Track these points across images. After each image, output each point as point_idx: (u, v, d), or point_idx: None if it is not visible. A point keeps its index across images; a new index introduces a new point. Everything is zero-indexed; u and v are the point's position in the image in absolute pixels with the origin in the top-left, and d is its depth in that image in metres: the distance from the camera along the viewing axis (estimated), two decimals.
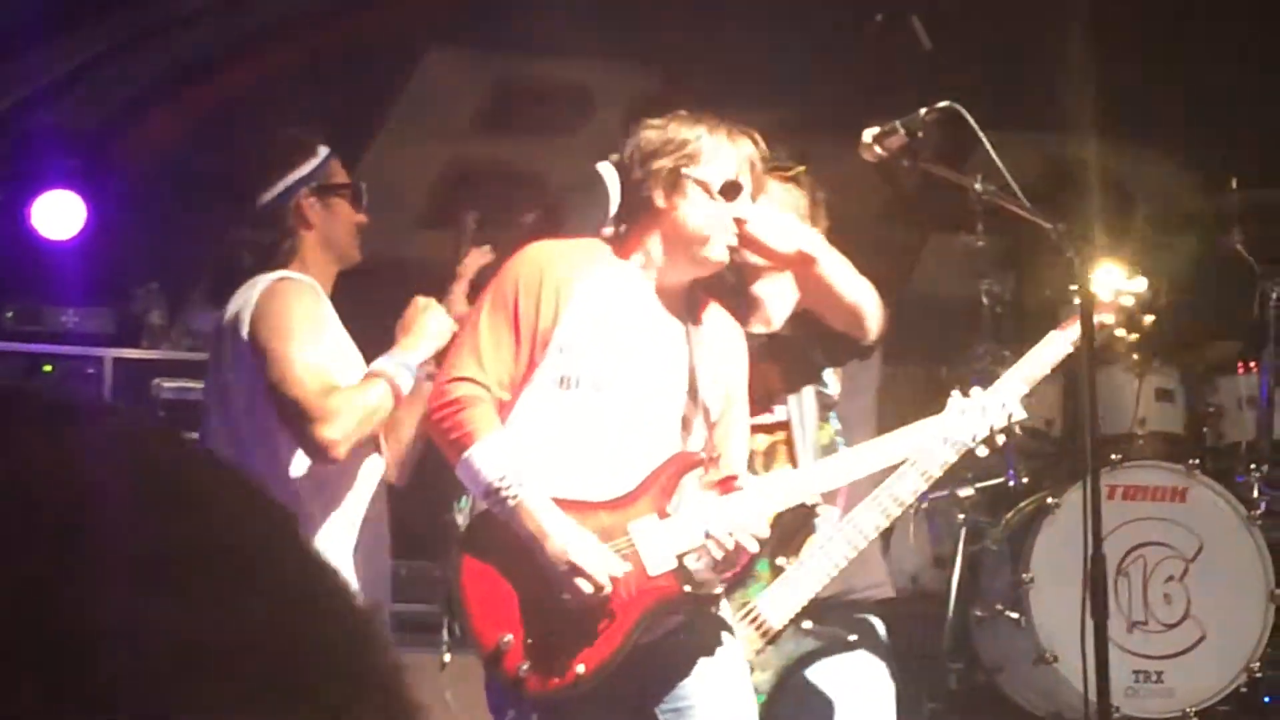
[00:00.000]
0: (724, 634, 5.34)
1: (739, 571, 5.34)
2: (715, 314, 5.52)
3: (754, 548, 5.17)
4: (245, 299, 5.41)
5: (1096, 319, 5.71)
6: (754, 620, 5.59)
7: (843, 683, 5.71)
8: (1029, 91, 9.66)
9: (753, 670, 5.59)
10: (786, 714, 5.67)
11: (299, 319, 5.36)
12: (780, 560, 5.67)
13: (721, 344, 5.48)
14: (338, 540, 5.38)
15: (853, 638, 5.75)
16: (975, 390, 5.55)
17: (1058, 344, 5.76)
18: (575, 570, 5.07)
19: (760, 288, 5.91)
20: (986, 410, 5.47)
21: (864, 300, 5.64)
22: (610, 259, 5.38)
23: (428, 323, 5.42)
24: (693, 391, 5.35)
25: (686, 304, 5.44)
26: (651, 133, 5.34)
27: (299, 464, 5.34)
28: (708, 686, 5.24)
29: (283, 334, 5.33)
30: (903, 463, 5.56)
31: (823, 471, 5.47)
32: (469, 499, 5.35)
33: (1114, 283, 5.85)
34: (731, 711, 5.25)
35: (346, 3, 9.58)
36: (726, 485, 5.33)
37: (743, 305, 5.83)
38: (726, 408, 5.46)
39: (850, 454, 5.52)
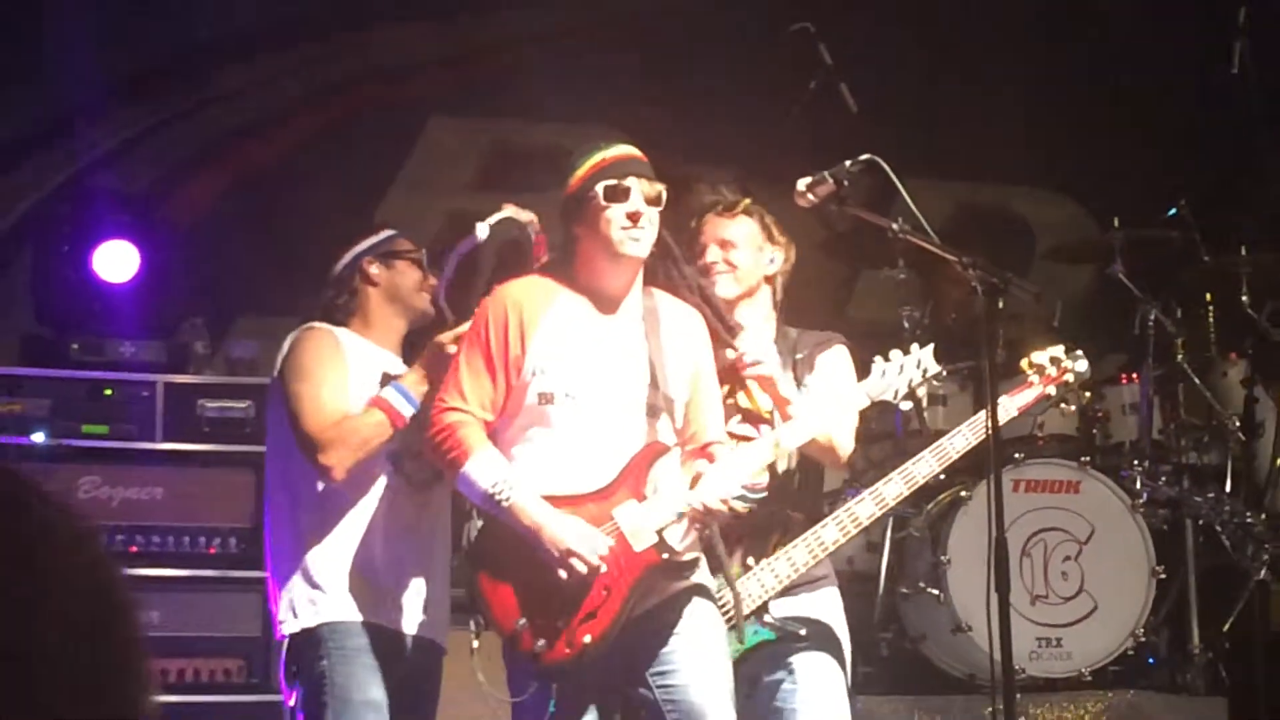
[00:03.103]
0: (704, 602, 5.31)
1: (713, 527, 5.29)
2: (668, 305, 5.50)
3: (720, 507, 5.16)
4: (282, 347, 5.59)
5: (1044, 389, 5.85)
6: (722, 608, 5.56)
7: (793, 673, 5.68)
8: (943, 144, 9.66)
9: None
10: (738, 699, 5.56)
11: (312, 362, 5.50)
12: (750, 560, 5.67)
13: (677, 332, 5.46)
14: (387, 542, 5.46)
15: (803, 631, 5.69)
16: (894, 353, 5.54)
17: (1004, 407, 5.74)
18: (569, 553, 5.09)
19: (740, 314, 5.91)
20: (904, 368, 5.49)
21: (842, 446, 5.72)
22: (564, 282, 5.38)
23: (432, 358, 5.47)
24: (654, 381, 5.34)
25: (637, 303, 5.42)
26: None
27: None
28: (689, 651, 5.21)
29: (298, 375, 5.50)
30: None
31: (765, 444, 5.40)
32: (478, 522, 5.34)
33: (1060, 361, 5.87)
34: (709, 670, 5.22)
35: (361, 79, 9.57)
36: (704, 454, 5.35)
37: (725, 332, 5.80)
38: (695, 386, 5.44)
39: (798, 419, 5.46)
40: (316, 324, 5.62)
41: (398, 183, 9.58)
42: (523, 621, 5.15)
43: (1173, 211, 8.84)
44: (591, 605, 5.15)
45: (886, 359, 5.51)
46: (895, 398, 5.54)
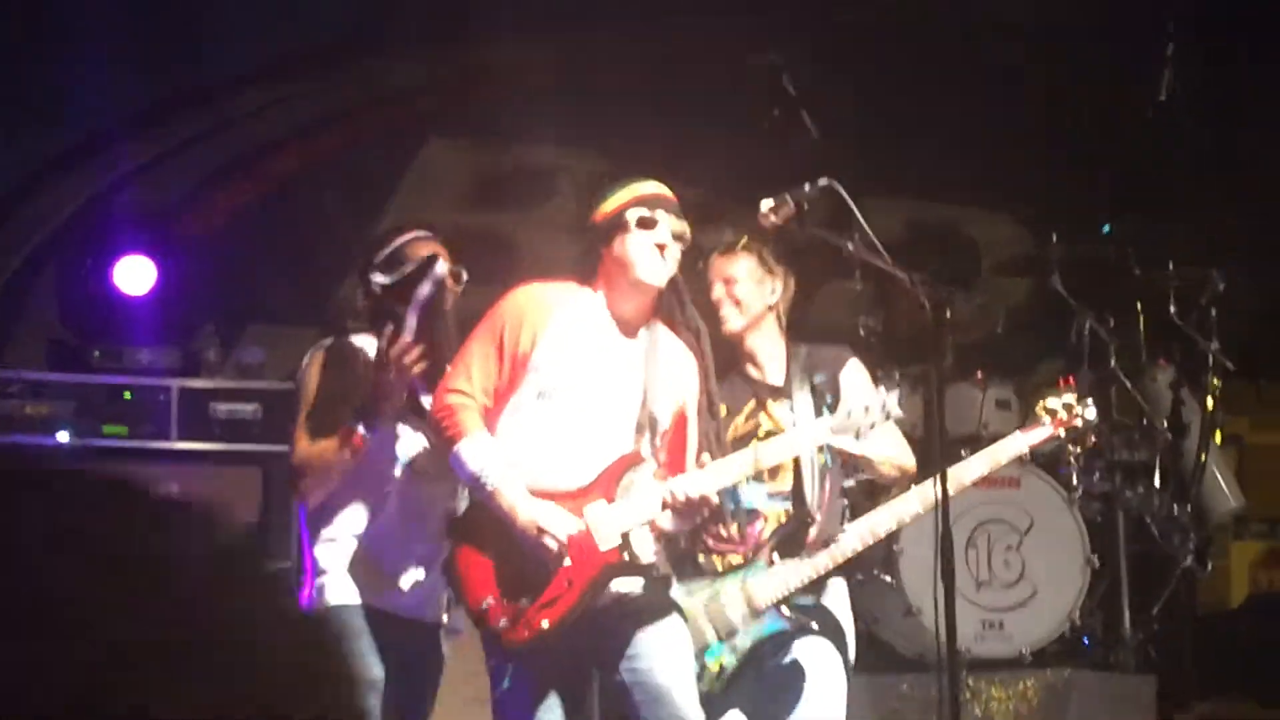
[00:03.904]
0: (673, 612, 5.45)
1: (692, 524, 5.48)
2: (668, 340, 5.62)
3: (700, 497, 5.32)
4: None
5: (1053, 431, 6.05)
6: (747, 597, 5.80)
7: (801, 661, 5.86)
8: (896, 166, 9.79)
9: (731, 638, 5.82)
10: (748, 683, 5.84)
11: (310, 389, 5.52)
12: (775, 556, 5.90)
13: (673, 365, 5.58)
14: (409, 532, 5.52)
15: (814, 624, 5.92)
16: (860, 391, 5.69)
17: (1018, 441, 6.04)
18: (542, 531, 5.22)
19: (750, 342, 6.16)
20: (870, 409, 5.56)
21: (898, 462, 6.12)
22: (581, 296, 5.50)
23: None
24: (645, 403, 5.47)
25: (643, 330, 5.55)
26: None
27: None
28: (656, 648, 5.35)
29: (298, 400, 5.55)
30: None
31: (746, 457, 5.55)
32: (465, 493, 5.47)
33: (1076, 409, 6.06)
34: (674, 667, 5.35)
35: (363, 104, 9.64)
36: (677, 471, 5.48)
37: (739, 358, 6.08)
38: (677, 420, 5.57)
39: (767, 445, 5.64)
40: (327, 342, 5.62)
41: (397, 200, 9.60)
42: (490, 600, 5.25)
43: (1106, 228, 9.02)
44: (552, 593, 5.24)
45: (853, 399, 5.61)
46: (857, 436, 5.64)
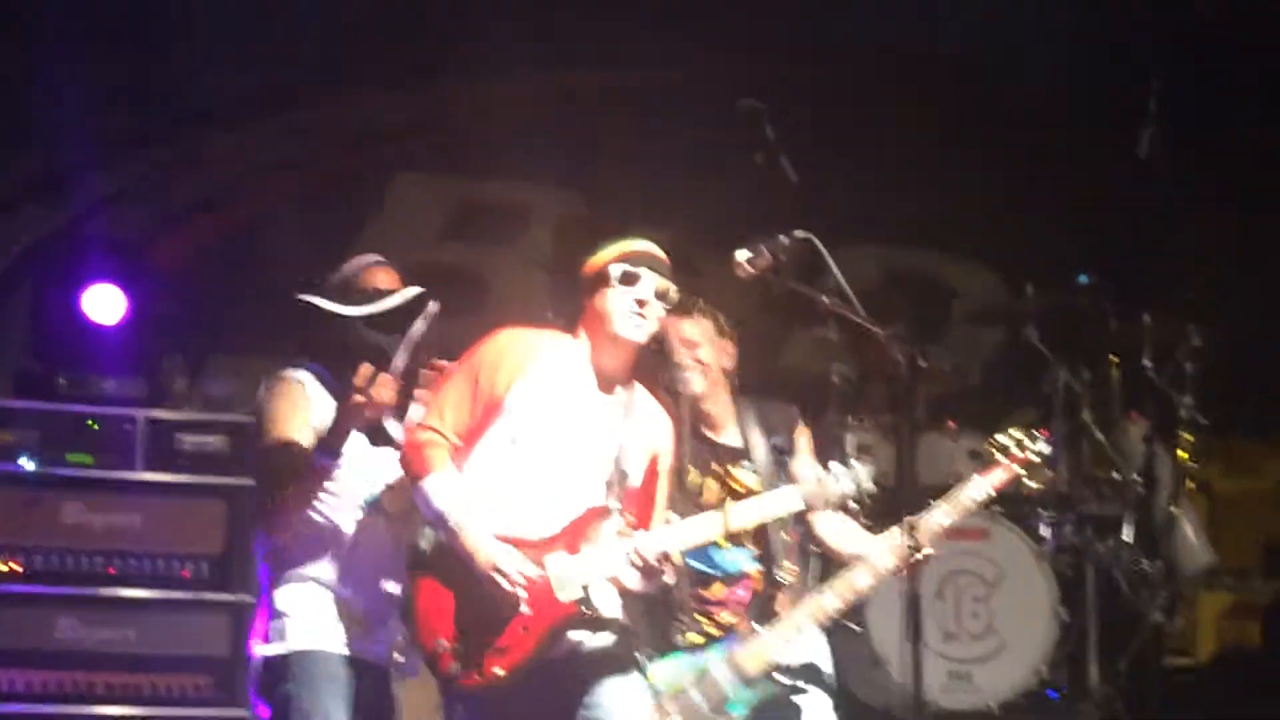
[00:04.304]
0: (633, 666, 5.42)
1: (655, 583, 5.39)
2: (644, 399, 5.59)
3: (661, 555, 5.28)
4: (259, 391, 5.55)
5: (1010, 472, 5.97)
6: (736, 668, 5.81)
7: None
8: (872, 213, 9.81)
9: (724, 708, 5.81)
10: None
11: (271, 418, 5.43)
12: (754, 625, 5.92)
13: (647, 424, 5.55)
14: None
15: (805, 686, 5.97)
16: (834, 464, 5.65)
17: (979, 486, 5.98)
18: (499, 573, 5.17)
19: (710, 403, 6.14)
20: (840, 481, 5.57)
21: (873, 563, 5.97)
22: (562, 346, 5.48)
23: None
24: (617, 460, 5.43)
25: (621, 388, 5.51)
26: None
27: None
28: (614, 699, 5.31)
29: (260, 432, 5.46)
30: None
31: (714, 519, 5.52)
32: (431, 530, 5.37)
33: (1026, 443, 6.00)
34: (631, 707, 5.33)
35: (334, 139, 9.64)
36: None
37: (697, 421, 6.05)
38: (647, 479, 5.54)
39: (738, 508, 5.59)
40: (285, 374, 5.52)
41: (368, 233, 9.55)
42: (443, 644, 5.23)
43: (1083, 279, 9.01)
44: (507, 641, 5.21)
45: (827, 469, 5.63)
46: (824, 506, 5.67)
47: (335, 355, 5.43)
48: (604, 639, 5.37)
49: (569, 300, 5.65)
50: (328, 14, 8.96)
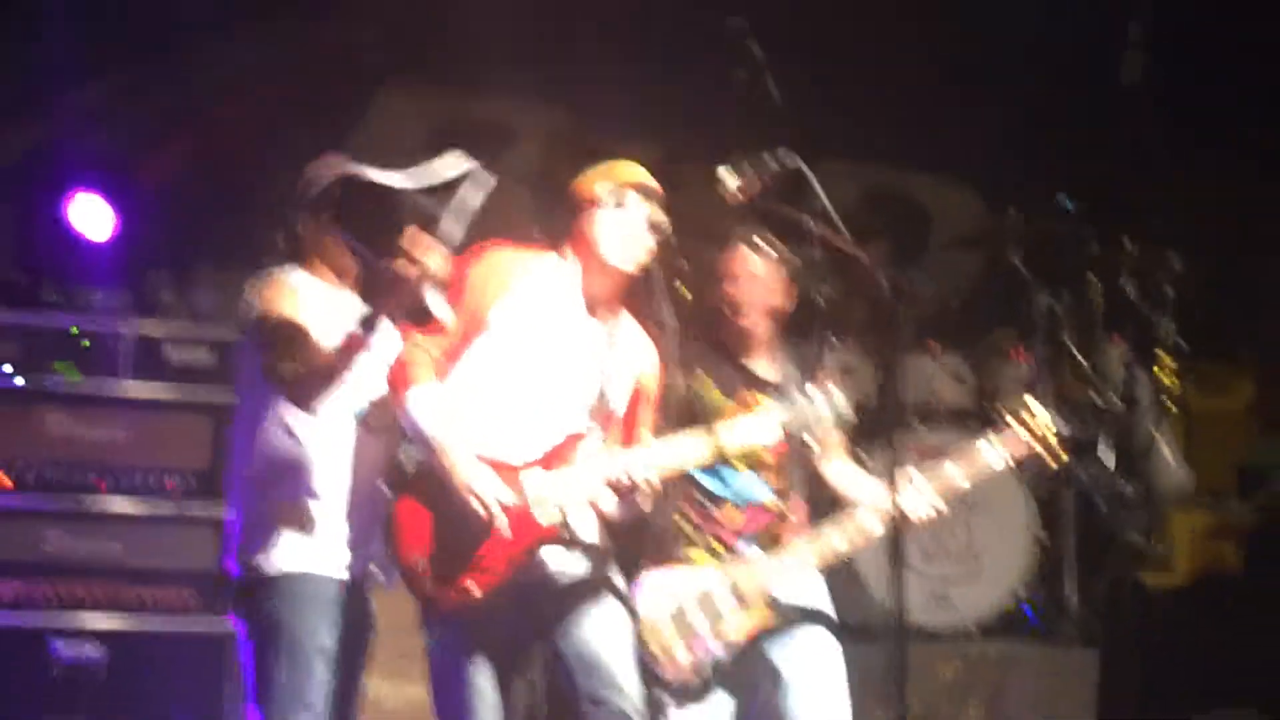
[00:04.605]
0: (611, 587, 5.46)
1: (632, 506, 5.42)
2: (630, 327, 5.62)
3: (644, 481, 5.28)
4: (247, 299, 5.44)
5: (1029, 448, 6.09)
6: (737, 591, 5.92)
7: (799, 653, 6.01)
8: (853, 131, 9.80)
9: (721, 627, 5.88)
10: (744, 673, 5.97)
11: (276, 315, 5.35)
12: (760, 551, 6.06)
13: (632, 352, 5.58)
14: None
15: (804, 618, 6.05)
16: (810, 388, 5.65)
17: (997, 454, 6.13)
18: (473, 495, 5.16)
19: (755, 336, 6.29)
20: (817, 404, 5.56)
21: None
22: (550, 266, 5.48)
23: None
24: (601, 388, 5.46)
25: (609, 314, 5.53)
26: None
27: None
28: (592, 620, 5.37)
29: (264, 328, 5.35)
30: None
31: (701, 441, 5.49)
32: (413, 446, 5.40)
33: (1044, 420, 6.11)
34: (609, 639, 5.38)
35: (316, 50, 9.60)
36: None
37: (740, 349, 6.22)
38: (631, 406, 5.57)
39: (724, 430, 5.55)
40: (274, 274, 5.48)
41: (351, 145, 9.52)
42: (422, 560, 5.25)
43: (1068, 205, 9.02)
44: (483, 561, 5.22)
45: (805, 395, 5.62)
46: (801, 431, 5.68)
47: (379, 230, 5.28)
48: (581, 562, 5.41)
49: (556, 219, 5.64)
50: None
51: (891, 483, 5.57)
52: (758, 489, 6.17)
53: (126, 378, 8.07)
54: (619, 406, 5.52)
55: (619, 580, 5.54)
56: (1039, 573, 8.70)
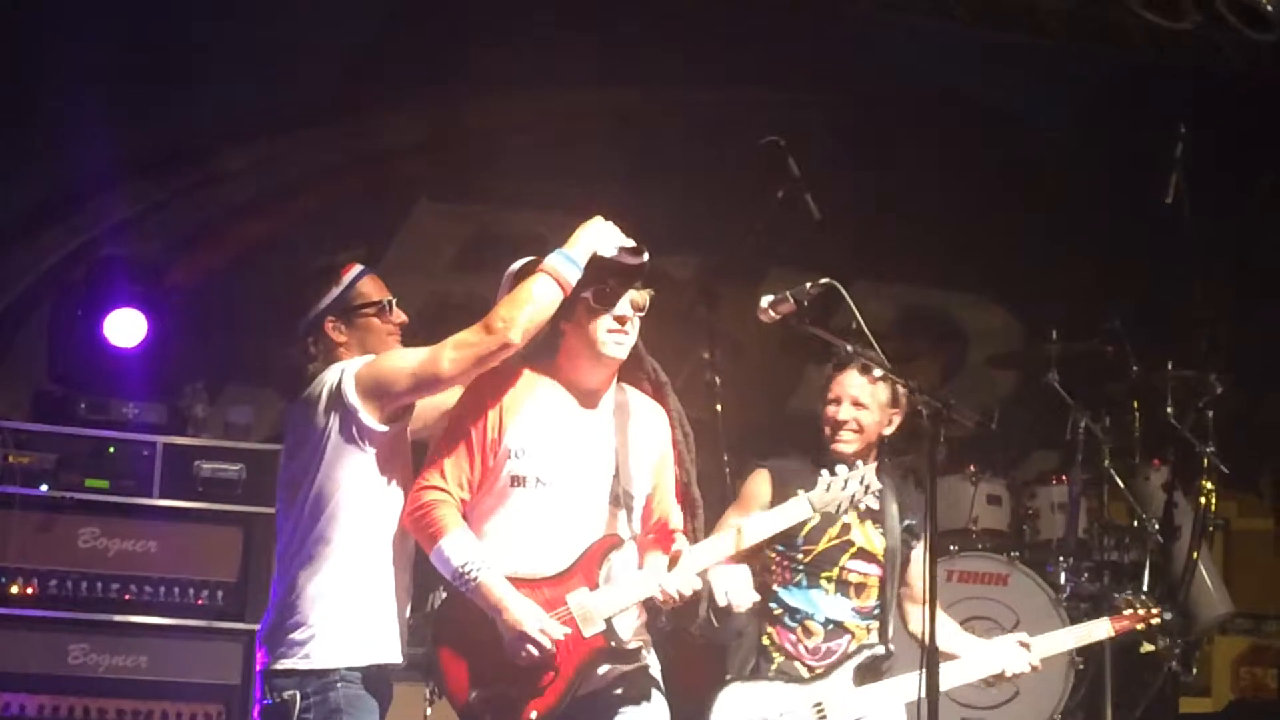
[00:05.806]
0: (653, 689, 5.46)
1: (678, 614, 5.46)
2: (637, 400, 5.59)
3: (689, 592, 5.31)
4: (328, 378, 5.33)
5: (1135, 626, 6.67)
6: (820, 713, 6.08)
7: None
8: (892, 253, 9.81)
9: None
10: None
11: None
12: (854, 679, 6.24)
13: (643, 427, 5.54)
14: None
15: None
16: (840, 467, 5.62)
17: (1105, 627, 6.71)
18: (525, 638, 5.18)
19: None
20: (849, 483, 5.57)
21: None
22: (532, 377, 5.44)
23: (587, 228, 5.34)
24: (619, 474, 5.43)
25: (605, 396, 5.49)
26: None
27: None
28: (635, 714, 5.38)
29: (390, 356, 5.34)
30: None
31: (727, 538, 5.47)
32: (442, 593, 5.38)
33: (1154, 609, 6.75)
34: None
35: (355, 162, 9.65)
36: (665, 541, 5.48)
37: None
38: (657, 477, 5.55)
39: (750, 523, 5.59)
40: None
41: (385, 261, 9.54)
42: (475, 695, 5.24)
43: (1110, 326, 8.98)
44: (540, 685, 5.23)
45: (833, 473, 5.61)
46: (837, 511, 5.75)
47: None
48: (630, 668, 5.41)
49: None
50: (345, 34, 9.00)
51: (930, 604, 5.47)
52: (848, 613, 6.30)
53: (157, 491, 8.07)
54: (642, 484, 5.51)
55: (659, 684, 5.52)
56: (1077, 699, 8.58)
